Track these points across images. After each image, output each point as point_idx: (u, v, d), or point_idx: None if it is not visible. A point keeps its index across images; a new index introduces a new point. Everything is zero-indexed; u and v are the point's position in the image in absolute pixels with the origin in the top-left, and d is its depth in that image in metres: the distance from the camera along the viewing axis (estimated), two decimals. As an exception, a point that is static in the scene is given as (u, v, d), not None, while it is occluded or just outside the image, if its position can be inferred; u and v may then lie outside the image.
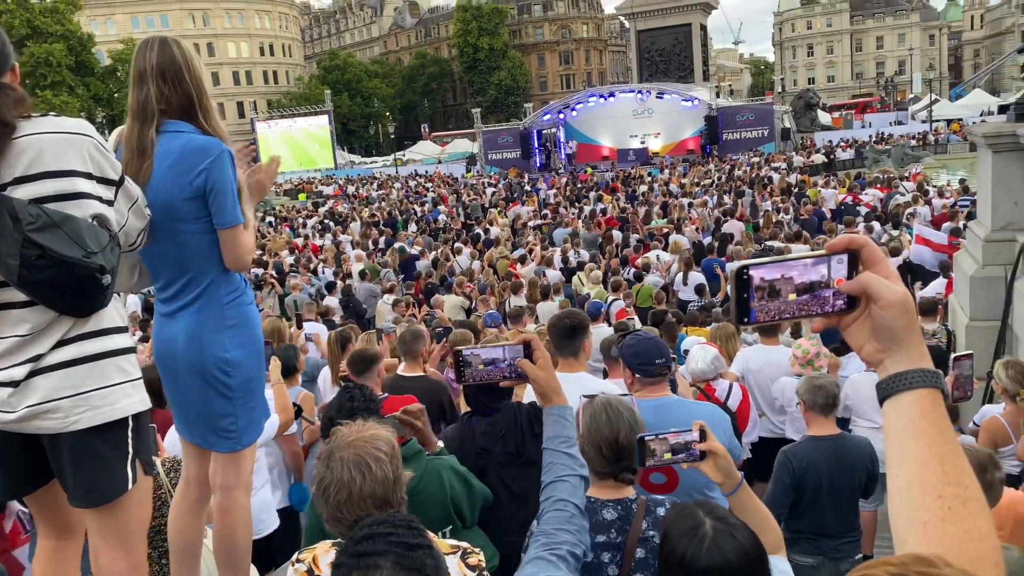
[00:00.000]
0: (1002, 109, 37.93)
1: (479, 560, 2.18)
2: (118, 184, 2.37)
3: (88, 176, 2.25)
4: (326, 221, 29.70)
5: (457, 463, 3.19)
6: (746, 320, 1.15)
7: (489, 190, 36.81)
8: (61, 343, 2.24)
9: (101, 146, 2.32)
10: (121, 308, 2.45)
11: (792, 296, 1.15)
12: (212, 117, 2.78)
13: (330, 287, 15.36)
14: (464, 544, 2.25)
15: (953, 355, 3.58)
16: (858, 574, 0.77)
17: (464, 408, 4.56)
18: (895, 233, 16.28)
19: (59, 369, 2.23)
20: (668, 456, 2.34)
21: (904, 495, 1.06)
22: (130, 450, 2.35)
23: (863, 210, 19.55)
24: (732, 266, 1.15)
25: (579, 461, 2.11)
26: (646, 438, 2.36)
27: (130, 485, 2.35)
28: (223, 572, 2.87)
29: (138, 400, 2.39)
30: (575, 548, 1.91)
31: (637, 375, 3.65)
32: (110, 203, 2.33)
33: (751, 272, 1.14)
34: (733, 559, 1.90)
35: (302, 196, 46.79)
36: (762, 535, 2.17)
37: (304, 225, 29.86)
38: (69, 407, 2.22)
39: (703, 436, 2.34)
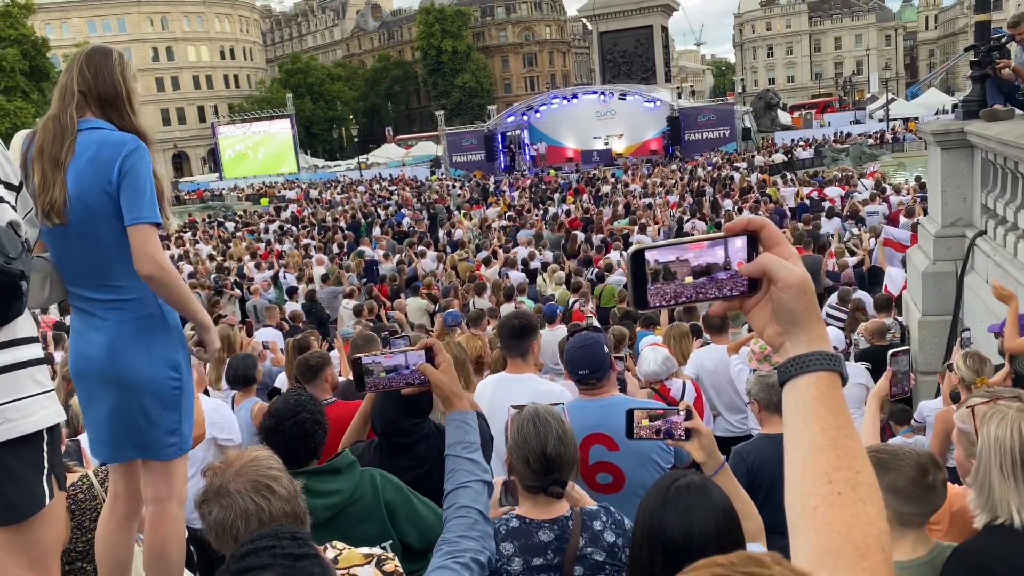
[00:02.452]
0: (956, 108, 38.70)
1: (395, 566, 2.13)
2: (18, 190, 2.28)
3: None
4: (287, 226, 29.39)
5: (393, 477, 3.10)
6: (645, 305, 1.13)
7: (454, 192, 36.72)
8: None
9: (3, 148, 2.24)
10: (31, 318, 2.35)
11: (688, 279, 1.12)
12: (140, 120, 2.73)
13: (291, 292, 15.18)
14: (376, 551, 2.18)
15: (890, 351, 3.57)
16: (684, 574, 0.74)
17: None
18: (855, 231, 16.52)
19: None
20: (646, 422, 2.51)
21: (797, 480, 1.04)
22: (45, 464, 2.25)
23: (826, 205, 19.80)
24: (629, 250, 1.12)
25: (482, 466, 2.07)
26: (635, 409, 2.54)
27: (47, 500, 2.25)
28: None
29: (53, 412, 2.28)
30: (479, 555, 1.87)
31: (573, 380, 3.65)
32: (14, 208, 2.24)
33: (646, 254, 1.11)
34: (706, 512, 1.91)
35: (264, 201, 46.28)
36: (744, 521, 2.14)
37: (266, 230, 29.51)
38: None
39: (688, 415, 2.46)
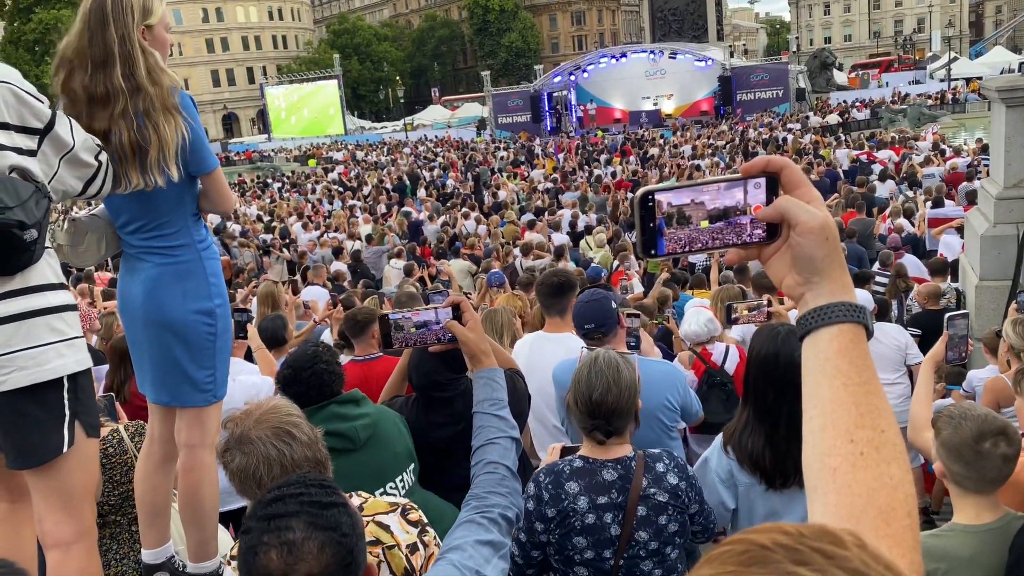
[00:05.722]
0: (1023, 66, 37.08)
1: (419, 516, 2.14)
2: (43, 132, 2.23)
3: (2, 126, 2.13)
4: (334, 187, 29.60)
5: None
6: (653, 252, 1.05)
7: (499, 154, 36.53)
8: None
9: (22, 92, 2.19)
10: (56, 263, 2.34)
11: (704, 223, 1.04)
12: (152, 66, 2.53)
13: (337, 252, 15.30)
14: (403, 500, 2.19)
15: (948, 315, 3.41)
16: (739, 537, 0.67)
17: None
18: (910, 194, 16.05)
19: None
20: (745, 312, 4.42)
21: (816, 438, 0.97)
22: (67, 412, 2.26)
23: (877, 167, 19.26)
24: (636, 193, 1.04)
25: (509, 423, 2.05)
26: (732, 304, 4.31)
27: (65, 448, 2.26)
28: (189, 532, 2.82)
29: (73, 360, 2.28)
30: (507, 511, 1.85)
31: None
32: (32, 153, 2.20)
33: (657, 197, 1.03)
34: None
35: (312, 162, 46.64)
36: None
37: (313, 191, 29.77)
38: None
39: (769, 303, 4.03)
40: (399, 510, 2.11)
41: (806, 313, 1.03)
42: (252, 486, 1.89)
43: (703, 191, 1.04)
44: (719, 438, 2.90)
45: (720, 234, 1.05)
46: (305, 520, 1.40)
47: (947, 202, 12.81)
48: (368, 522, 2.03)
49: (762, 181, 1.04)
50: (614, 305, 3.71)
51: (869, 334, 1.02)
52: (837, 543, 0.65)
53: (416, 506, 2.17)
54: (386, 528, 2.02)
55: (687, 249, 1.05)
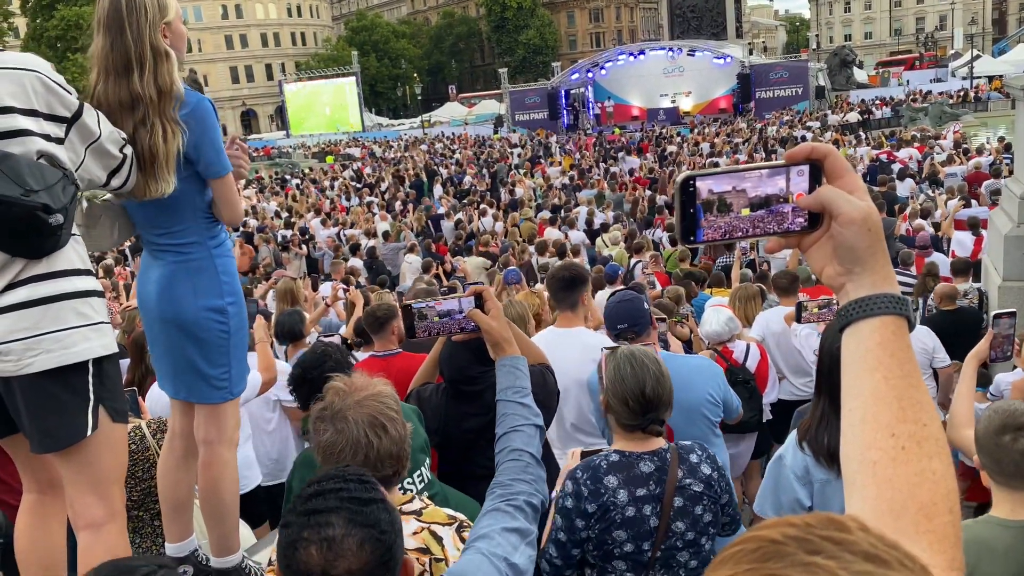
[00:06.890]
0: (1047, 64, 36.54)
1: None
2: (70, 121, 2.26)
3: (32, 113, 2.16)
4: (352, 183, 29.67)
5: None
6: (692, 239, 1.03)
7: (515, 151, 36.47)
8: (12, 285, 2.16)
9: (51, 81, 2.22)
10: (82, 250, 2.36)
11: (745, 211, 1.02)
12: (161, 72, 2.48)
13: (354, 249, 15.35)
14: (461, 516, 2.17)
15: (993, 312, 3.36)
16: (749, 535, 0.67)
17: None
18: (930, 193, 15.90)
19: (10, 311, 2.15)
20: (815, 310, 4.82)
21: (856, 432, 0.95)
22: (91, 396, 2.27)
23: (897, 167, 19.11)
24: (678, 178, 1.03)
25: (533, 411, 2.05)
26: (803, 303, 4.82)
27: (89, 431, 2.27)
28: (210, 526, 2.84)
29: (99, 345, 2.29)
30: (532, 498, 1.84)
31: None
32: (59, 141, 2.23)
33: (698, 184, 1.02)
34: None
35: (329, 159, 46.76)
36: None
37: (331, 187, 29.84)
38: (21, 350, 2.15)
39: (839, 302, 4.25)
40: (456, 525, 2.09)
41: (847, 304, 1.01)
42: (332, 463, 1.91)
43: (745, 178, 1.02)
44: (793, 435, 2.88)
45: (761, 222, 1.03)
46: (345, 517, 1.40)
47: (971, 202, 12.67)
48: (423, 528, 2.02)
49: (805, 169, 1.03)
50: (646, 305, 3.73)
51: (911, 327, 1.00)
52: (843, 529, 0.65)
53: (471, 524, 2.15)
54: (439, 540, 2.01)
55: (727, 236, 1.04)
